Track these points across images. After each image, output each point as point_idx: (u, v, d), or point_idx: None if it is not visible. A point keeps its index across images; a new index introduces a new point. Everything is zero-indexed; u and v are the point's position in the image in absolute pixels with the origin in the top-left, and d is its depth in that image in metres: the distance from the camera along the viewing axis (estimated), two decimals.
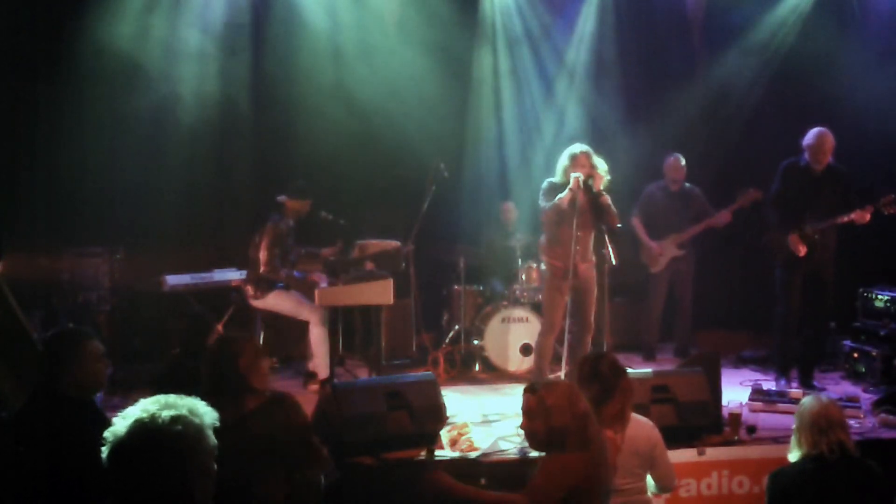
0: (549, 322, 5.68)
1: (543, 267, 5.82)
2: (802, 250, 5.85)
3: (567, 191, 5.46)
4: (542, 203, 5.65)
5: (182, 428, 1.88)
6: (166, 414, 1.88)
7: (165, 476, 1.85)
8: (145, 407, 1.90)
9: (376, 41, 7.60)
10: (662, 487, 3.53)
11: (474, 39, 7.98)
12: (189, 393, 2.01)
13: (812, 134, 5.90)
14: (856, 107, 6.95)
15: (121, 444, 1.85)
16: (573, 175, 5.45)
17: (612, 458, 3.10)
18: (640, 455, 3.36)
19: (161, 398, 1.93)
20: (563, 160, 5.64)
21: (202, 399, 2.88)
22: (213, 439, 1.95)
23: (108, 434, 1.87)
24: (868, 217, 5.71)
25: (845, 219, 5.75)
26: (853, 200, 5.77)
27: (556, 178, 5.67)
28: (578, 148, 5.63)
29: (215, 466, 1.96)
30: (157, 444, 1.85)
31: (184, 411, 1.90)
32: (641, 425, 3.44)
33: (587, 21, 8.00)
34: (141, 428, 1.86)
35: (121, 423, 1.88)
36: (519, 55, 8.10)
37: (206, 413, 1.96)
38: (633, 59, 7.95)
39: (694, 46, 7.99)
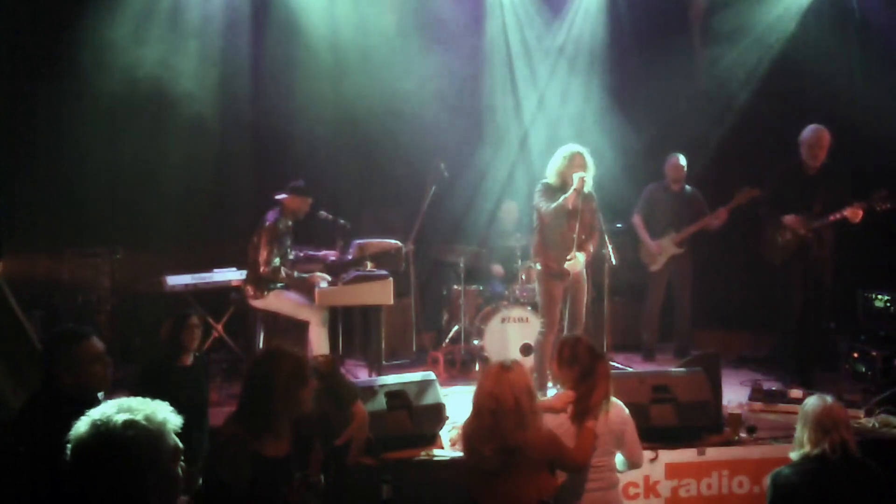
0: (550, 321, 5.70)
1: (538, 267, 5.81)
2: (802, 228, 5.88)
3: (572, 191, 5.44)
4: (541, 205, 5.62)
5: (135, 433, 1.86)
6: (119, 418, 1.86)
7: (116, 479, 1.84)
8: (104, 410, 1.89)
9: (376, 41, 7.59)
10: (632, 464, 3.63)
11: (474, 39, 7.98)
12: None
13: (808, 130, 5.95)
14: (856, 106, 6.94)
15: (78, 445, 1.85)
16: (576, 175, 5.45)
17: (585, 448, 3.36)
18: (613, 433, 3.49)
19: (123, 401, 1.91)
20: (557, 161, 5.63)
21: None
22: (172, 442, 1.92)
23: (71, 434, 1.87)
24: (861, 214, 5.70)
25: (838, 216, 5.77)
26: (849, 199, 5.77)
27: (551, 179, 5.66)
28: (574, 148, 5.62)
29: (179, 471, 1.94)
30: (109, 448, 1.84)
31: (139, 416, 1.88)
32: (615, 406, 3.56)
33: (585, 19, 8.00)
34: (94, 430, 1.85)
35: (82, 423, 1.88)
36: (518, 55, 8.10)
37: (166, 418, 1.93)
38: (632, 58, 7.94)
39: (694, 45, 7.98)
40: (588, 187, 5.58)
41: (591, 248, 5.74)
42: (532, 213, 5.84)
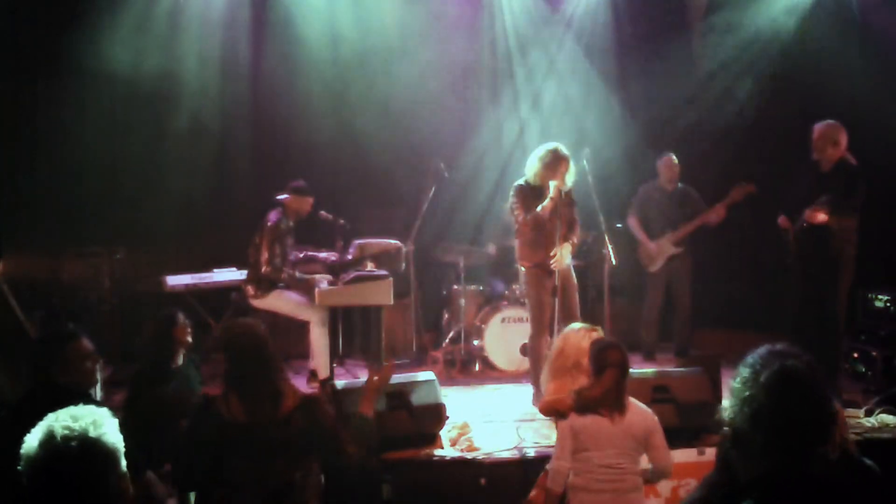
0: (540, 324, 5.57)
1: (523, 269, 5.73)
2: (784, 224, 5.92)
3: (548, 200, 5.35)
4: (519, 211, 5.51)
5: (77, 445, 1.86)
6: (62, 431, 1.87)
7: (69, 489, 1.85)
8: (50, 423, 1.89)
9: (376, 41, 7.60)
10: (656, 471, 3.64)
11: (475, 39, 7.98)
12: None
13: (816, 125, 5.83)
14: (856, 105, 6.93)
15: (28, 459, 1.87)
16: (553, 183, 5.35)
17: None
18: (635, 438, 3.52)
19: (69, 413, 1.92)
20: (539, 164, 5.47)
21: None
22: (113, 452, 1.92)
23: (22, 448, 1.89)
24: (820, 217, 5.60)
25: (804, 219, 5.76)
26: (845, 200, 5.67)
27: (530, 178, 5.51)
28: (554, 151, 5.46)
29: (131, 490, 1.95)
30: (57, 461, 1.85)
31: (78, 427, 1.88)
32: (640, 412, 3.61)
33: (583, 17, 7.99)
34: (41, 443, 1.87)
35: (34, 435, 1.89)
36: (519, 55, 8.10)
37: (105, 428, 1.93)
38: (631, 56, 7.94)
39: (693, 44, 7.98)
40: (565, 187, 5.47)
41: (575, 240, 5.62)
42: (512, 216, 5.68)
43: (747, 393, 1.78)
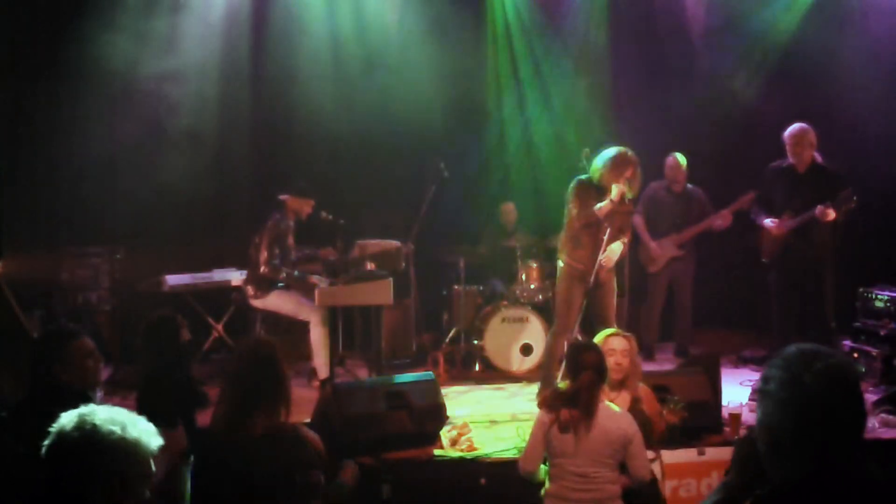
0: (565, 322, 5.40)
1: (561, 263, 5.53)
2: (775, 230, 5.95)
3: (608, 202, 5.20)
4: (573, 205, 5.34)
5: (115, 441, 1.92)
6: (106, 425, 1.93)
7: (87, 474, 1.89)
8: (94, 411, 1.95)
9: (377, 41, 7.60)
10: (635, 479, 3.55)
11: (475, 39, 7.98)
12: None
13: (790, 128, 5.94)
14: (856, 106, 6.94)
15: (62, 436, 1.92)
16: (616, 187, 5.17)
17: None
18: (611, 445, 3.46)
19: (115, 411, 1.97)
20: (605, 164, 5.25)
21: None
22: (146, 463, 1.96)
23: (56, 425, 1.94)
24: (832, 214, 5.69)
25: (806, 216, 5.78)
26: (832, 198, 5.72)
27: (593, 177, 5.31)
28: (627, 157, 5.25)
29: (148, 494, 1.98)
30: (89, 445, 1.90)
31: (124, 430, 1.94)
32: (617, 417, 3.55)
33: (586, 19, 7.99)
34: (80, 425, 1.92)
35: (68, 417, 1.95)
36: (519, 55, 8.10)
37: (148, 440, 1.98)
38: (632, 57, 7.93)
39: (694, 44, 7.97)
40: (630, 194, 5.33)
41: (625, 239, 5.46)
42: (564, 208, 5.47)
43: (787, 395, 1.70)
